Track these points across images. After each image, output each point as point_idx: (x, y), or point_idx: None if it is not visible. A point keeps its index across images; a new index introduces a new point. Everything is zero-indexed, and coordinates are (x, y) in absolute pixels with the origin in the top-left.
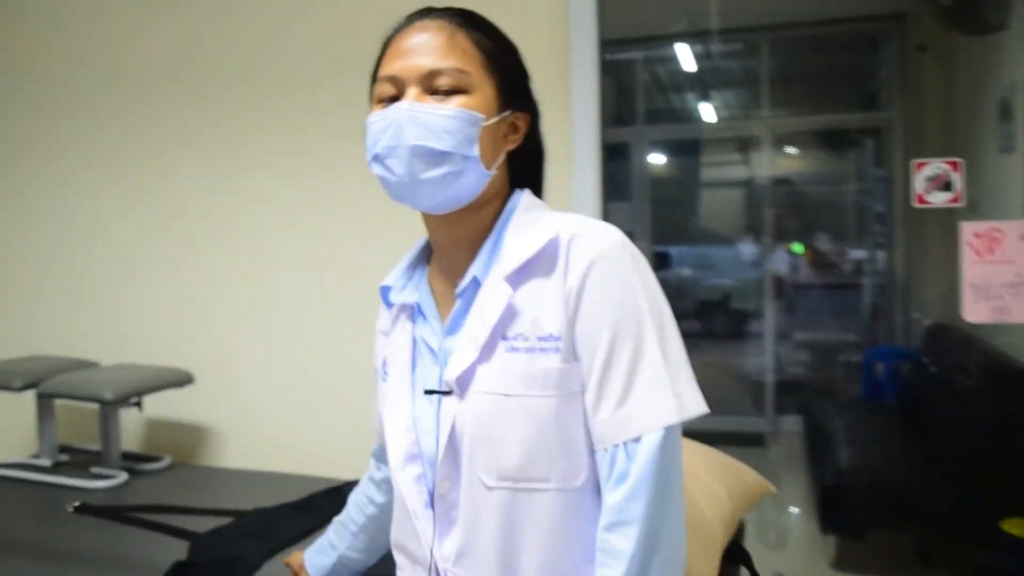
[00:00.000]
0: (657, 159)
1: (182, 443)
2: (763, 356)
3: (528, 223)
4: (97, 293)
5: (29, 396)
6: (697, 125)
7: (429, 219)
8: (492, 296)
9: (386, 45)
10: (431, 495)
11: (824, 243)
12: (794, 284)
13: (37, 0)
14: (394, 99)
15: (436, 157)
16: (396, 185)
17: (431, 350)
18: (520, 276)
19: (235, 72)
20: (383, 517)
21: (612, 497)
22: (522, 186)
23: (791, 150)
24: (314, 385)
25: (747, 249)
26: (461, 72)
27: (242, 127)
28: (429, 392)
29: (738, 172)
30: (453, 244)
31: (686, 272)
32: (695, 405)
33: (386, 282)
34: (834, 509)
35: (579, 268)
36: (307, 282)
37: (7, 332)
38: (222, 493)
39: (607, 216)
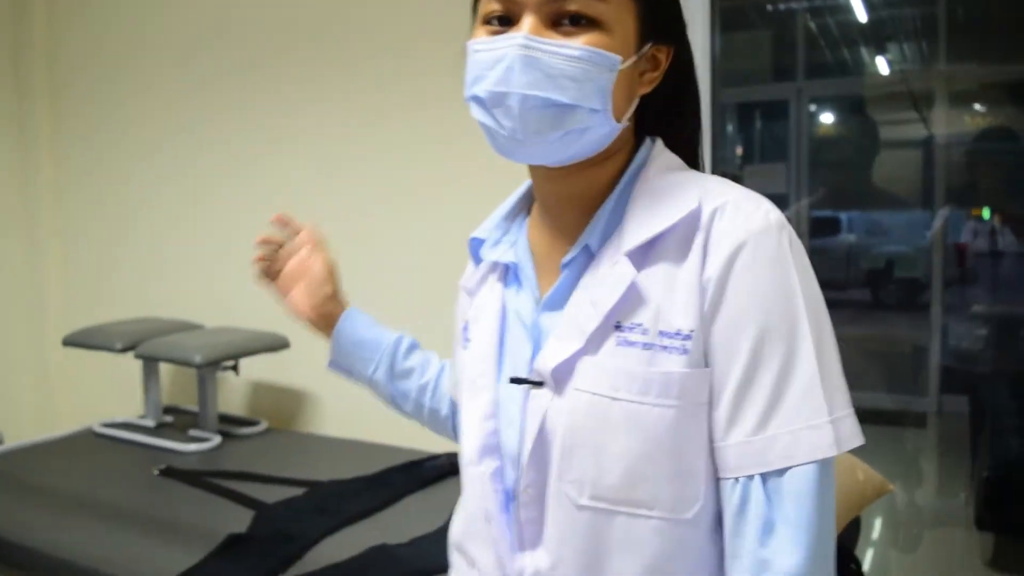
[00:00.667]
0: (822, 117)
1: (280, 407)
2: (931, 330)
3: (662, 187)
4: (204, 259)
5: (135, 358)
6: (864, 79)
7: (535, 169)
8: (610, 274)
9: None
10: (508, 496)
11: (1015, 207)
12: (976, 252)
13: None
14: (503, 21)
15: (557, 110)
16: (504, 140)
17: (523, 323)
18: (646, 253)
19: (336, 43)
20: (427, 400)
21: (749, 544)
22: (653, 132)
23: (975, 106)
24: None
25: (921, 214)
26: None
27: (340, 105)
28: (516, 380)
29: (914, 131)
30: (563, 202)
31: (852, 238)
32: (853, 436)
33: (477, 233)
34: (995, 503)
35: (723, 252)
36: (409, 247)
37: (125, 295)
38: (306, 461)
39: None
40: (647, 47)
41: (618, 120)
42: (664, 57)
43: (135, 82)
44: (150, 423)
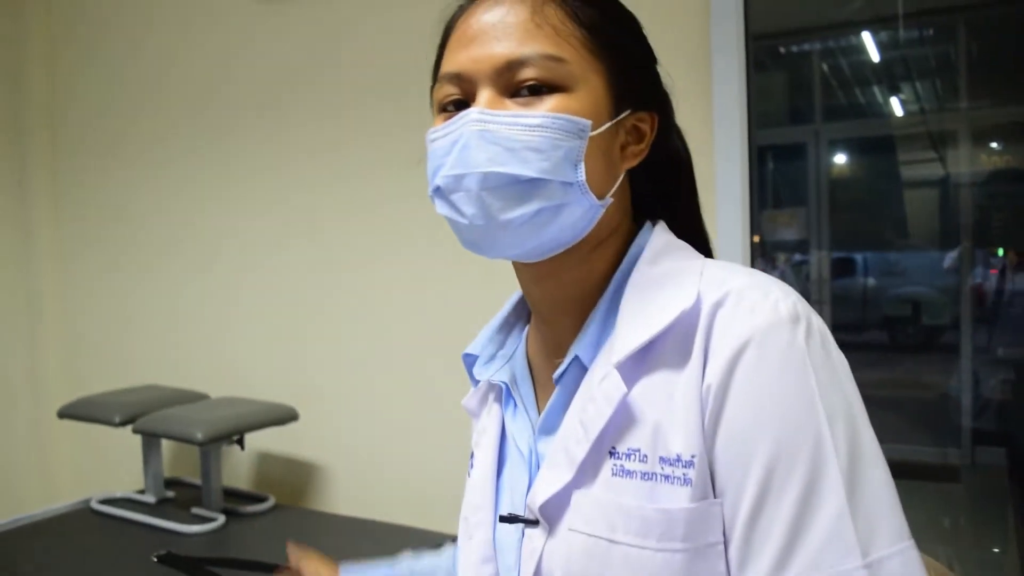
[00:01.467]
0: (839, 159)
1: (289, 481)
2: (959, 375)
3: (655, 281)
4: (209, 326)
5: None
6: (882, 121)
7: (520, 269)
8: (598, 392)
9: (448, 30)
10: None
11: None
12: (998, 292)
13: (155, 28)
14: (460, 104)
15: (521, 188)
16: (467, 230)
17: (520, 451)
18: (639, 363)
19: (352, 88)
20: None
21: None
22: (654, 215)
23: (994, 144)
24: (423, 430)
25: (941, 255)
26: (553, 60)
27: (345, 156)
28: (507, 519)
29: (932, 170)
30: (555, 305)
31: (871, 281)
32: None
33: (470, 349)
34: None
35: (724, 354)
36: (422, 325)
37: (127, 361)
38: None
39: (759, 226)
40: (624, 114)
41: (599, 196)
42: (648, 127)
43: (135, 145)
44: (151, 499)
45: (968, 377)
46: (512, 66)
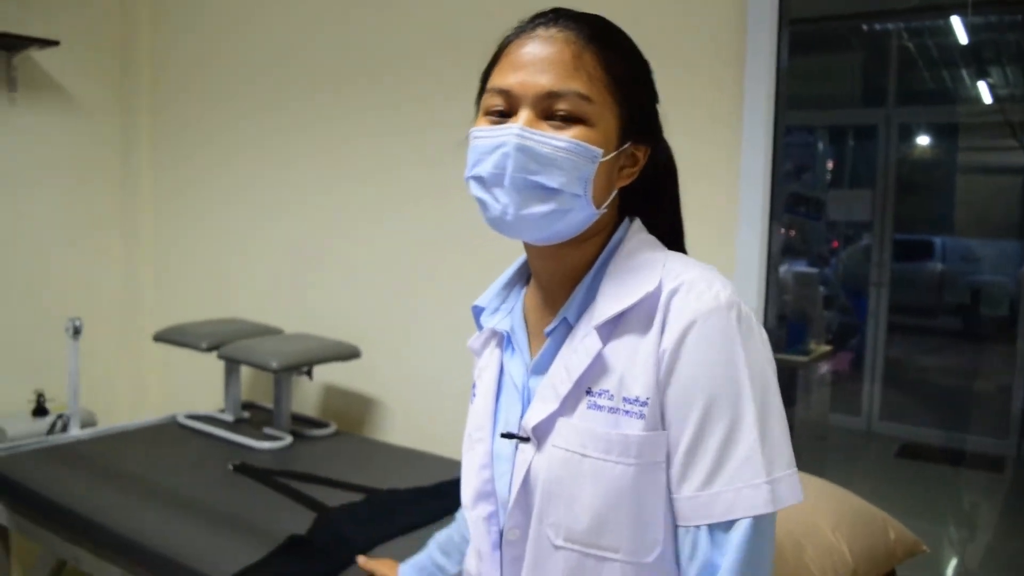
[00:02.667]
0: (916, 141)
1: (350, 412)
2: (1013, 366)
3: (630, 267)
4: (287, 268)
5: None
6: (957, 107)
7: (529, 247)
8: (581, 345)
9: (502, 49)
10: (500, 536)
11: None
12: None
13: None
14: (503, 114)
15: (543, 192)
16: (496, 215)
17: (515, 385)
18: (613, 327)
19: (405, 60)
20: None
21: None
22: (636, 213)
23: None
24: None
25: (1012, 244)
26: (583, 99)
27: (415, 114)
28: (506, 436)
29: (1012, 158)
30: (552, 277)
31: (942, 265)
32: (792, 494)
33: (479, 302)
34: None
35: (676, 327)
36: (472, 277)
37: (216, 296)
38: (369, 466)
39: (815, 208)
40: (626, 145)
41: (597, 207)
42: (642, 155)
43: (228, 103)
44: (229, 418)
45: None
46: (551, 96)
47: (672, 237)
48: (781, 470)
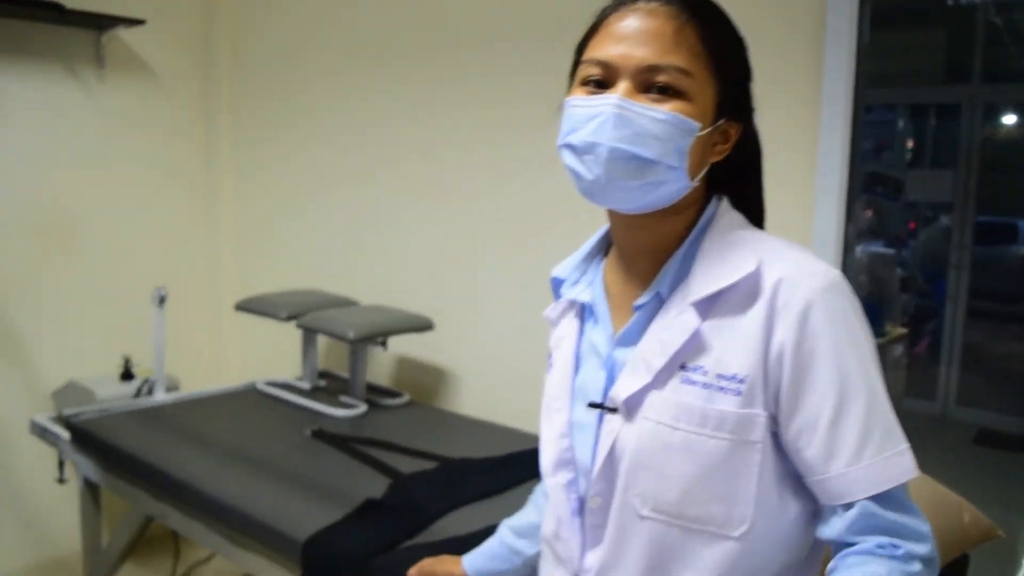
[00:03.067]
0: (1002, 120)
1: (422, 383)
2: None
3: (726, 245)
4: (363, 241)
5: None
6: None
7: (615, 217)
8: (677, 320)
9: (601, 20)
10: (580, 503)
11: None
12: None
13: None
14: (600, 84)
15: (639, 164)
16: (589, 184)
17: (598, 355)
18: (709, 305)
19: (485, 34)
20: None
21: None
22: (723, 191)
23: None
24: (541, 346)
25: None
26: (683, 73)
27: (489, 94)
28: (593, 405)
29: None
30: (637, 250)
31: (1020, 249)
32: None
33: (558, 273)
34: None
35: (793, 314)
36: (544, 252)
37: (298, 268)
38: (442, 436)
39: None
40: (721, 122)
41: (691, 179)
42: (734, 133)
43: (307, 77)
44: (306, 386)
45: None
46: (651, 69)
47: (755, 216)
48: (905, 439)
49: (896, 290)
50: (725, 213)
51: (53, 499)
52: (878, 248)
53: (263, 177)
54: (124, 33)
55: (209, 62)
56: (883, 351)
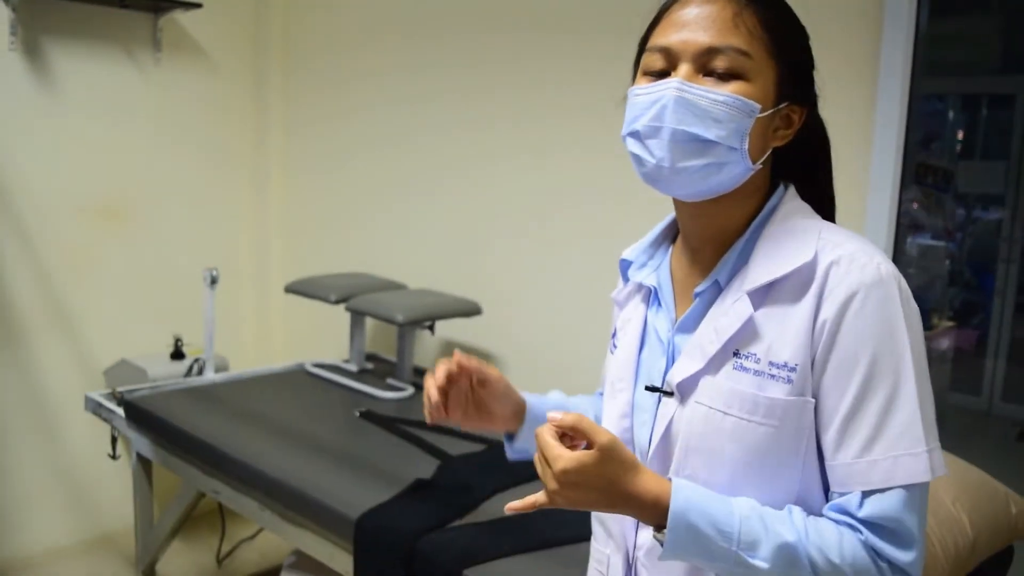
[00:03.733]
0: None
1: None
2: None
3: (785, 234)
4: (412, 226)
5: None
6: None
7: (680, 205)
8: (732, 308)
9: (662, 12)
10: None
11: None
12: None
13: None
14: (662, 74)
15: (700, 145)
16: (651, 168)
17: (660, 339)
18: (765, 294)
19: (538, 17)
20: None
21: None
22: (790, 178)
23: None
24: (583, 330)
25: None
26: (742, 54)
27: (537, 77)
28: (651, 389)
29: None
30: (703, 237)
31: None
32: (942, 466)
33: (627, 256)
34: None
35: (838, 298)
36: (586, 242)
37: (346, 251)
38: None
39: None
40: (783, 105)
41: (753, 162)
42: (797, 118)
43: (361, 58)
44: (353, 368)
45: None
46: (711, 52)
47: (824, 207)
48: (934, 441)
49: (944, 282)
50: (789, 201)
51: (103, 475)
52: (926, 240)
53: (313, 160)
54: (180, 17)
55: (261, 46)
56: (928, 343)
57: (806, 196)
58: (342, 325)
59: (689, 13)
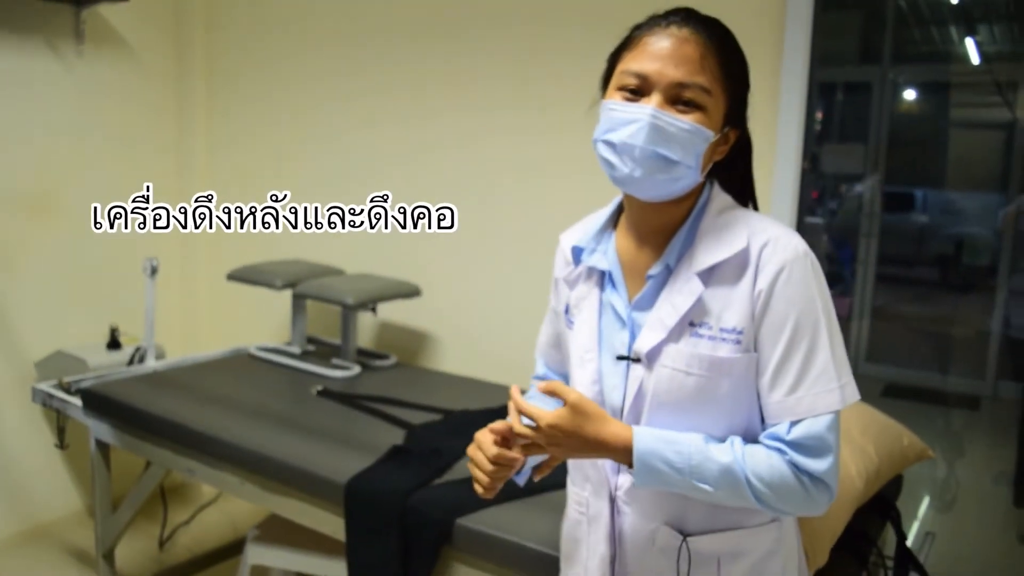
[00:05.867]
0: (906, 96)
1: (408, 346)
2: (992, 314)
3: (720, 225)
4: (349, 212)
5: (286, 293)
6: (950, 66)
7: (634, 202)
8: (685, 287)
9: (635, 36)
10: None
11: None
12: None
13: None
14: (635, 92)
15: (666, 163)
16: (623, 176)
17: (617, 315)
18: (709, 274)
19: (501, 19)
20: None
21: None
22: (715, 177)
23: None
24: (516, 308)
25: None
26: (704, 91)
27: (489, 72)
28: (621, 358)
29: (998, 114)
30: (651, 228)
31: (924, 218)
32: (853, 395)
33: (578, 243)
34: None
35: (769, 272)
36: (530, 216)
37: (275, 239)
38: (435, 392)
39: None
40: (726, 129)
41: (701, 175)
42: (733, 137)
43: (281, 47)
44: (296, 350)
45: (1000, 316)
46: (681, 86)
47: (742, 194)
48: (845, 377)
49: (822, 255)
50: (717, 196)
51: (37, 467)
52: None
53: (238, 149)
54: (102, 9)
55: (183, 37)
56: None
57: (727, 187)
58: (275, 310)
59: (663, 47)
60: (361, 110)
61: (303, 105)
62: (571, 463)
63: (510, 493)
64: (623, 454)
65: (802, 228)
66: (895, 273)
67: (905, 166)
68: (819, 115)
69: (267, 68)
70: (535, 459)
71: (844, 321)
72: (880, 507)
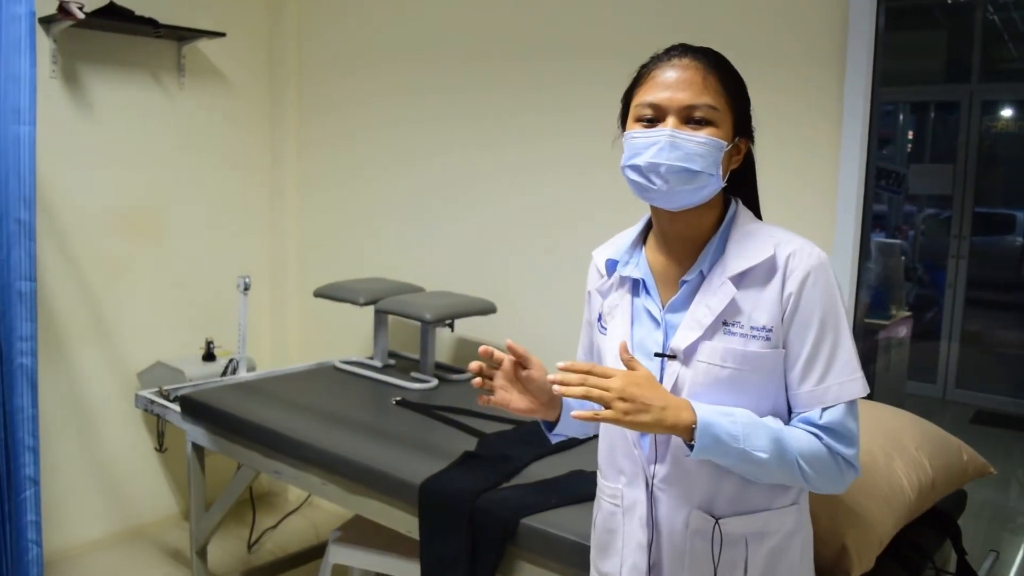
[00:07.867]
0: (1001, 115)
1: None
2: None
3: (748, 235)
4: (430, 232)
5: (369, 310)
6: None
7: (663, 214)
8: (720, 290)
9: (644, 74)
10: None
11: None
12: None
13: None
14: (652, 121)
15: (690, 175)
16: (655, 193)
17: (652, 318)
18: (741, 278)
19: (535, 50)
20: None
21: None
22: (732, 191)
23: None
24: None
25: None
26: (712, 108)
27: (548, 93)
28: (659, 355)
29: None
30: (679, 237)
31: (1020, 240)
32: (866, 386)
33: (612, 256)
34: None
35: (797, 277)
36: (602, 240)
37: (359, 259)
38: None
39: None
40: (737, 140)
41: (723, 181)
42: (744, 147)
43: (368, 79)
44: (378, 364)
45: None
46: (690, 107)
47: (755, 208)
48: (860, 370)
49: (901, 276)
50: (742, 211)
51: (136, 470)
52: (882, 238)
53: (325, 175)
54: (201, 44)
55: (276, 69)
56: (888, 332)
57: (744, 203)
58: (359, 326)
59: (670, 77)
60: (443, 137)
61: (387, 135)
62: (603, 458)
63: (570, 498)
64: (686, 413)
65: (866, 249)
66: (987, 297)
67: (999, 186)
68: (910, 135)
69: (355, 97)
70: (570, 423)
71: (933, 348)
72: (939, 522)
